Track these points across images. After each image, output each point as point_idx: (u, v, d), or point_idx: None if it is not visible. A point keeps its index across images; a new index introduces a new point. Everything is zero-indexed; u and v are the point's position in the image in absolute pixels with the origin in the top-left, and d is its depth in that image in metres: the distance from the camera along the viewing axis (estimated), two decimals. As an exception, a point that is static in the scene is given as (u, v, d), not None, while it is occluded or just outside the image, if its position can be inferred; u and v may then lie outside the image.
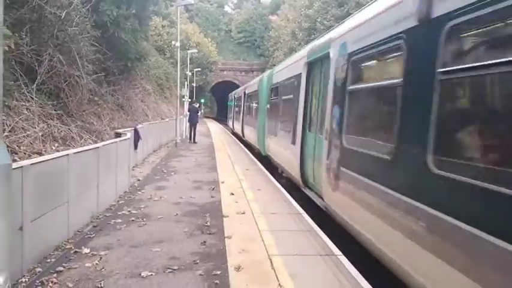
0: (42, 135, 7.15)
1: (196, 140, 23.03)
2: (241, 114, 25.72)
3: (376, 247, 5.03)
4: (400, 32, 4.59)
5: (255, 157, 16.68)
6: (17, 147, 6.28)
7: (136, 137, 12.86)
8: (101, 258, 5.29)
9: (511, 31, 3.13)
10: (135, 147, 12.83)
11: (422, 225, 3.84)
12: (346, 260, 5.43)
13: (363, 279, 4.82)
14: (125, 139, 9.88)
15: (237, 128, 28.57)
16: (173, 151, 18.82)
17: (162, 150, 18.97)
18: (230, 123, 37.34)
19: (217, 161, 15.26)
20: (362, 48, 5.80)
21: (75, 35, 9.58)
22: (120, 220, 7.09)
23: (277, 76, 13.68)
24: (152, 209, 7.94)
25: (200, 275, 4.84)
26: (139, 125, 14.48)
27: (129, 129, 12.41)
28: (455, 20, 3.58)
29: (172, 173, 12.35)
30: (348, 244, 6.14)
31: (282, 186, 10.63)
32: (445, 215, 3.48)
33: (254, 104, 19.64)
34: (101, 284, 4.49)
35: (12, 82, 7.33)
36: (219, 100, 75.66)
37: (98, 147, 7.48)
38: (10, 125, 6.50)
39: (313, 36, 36.26)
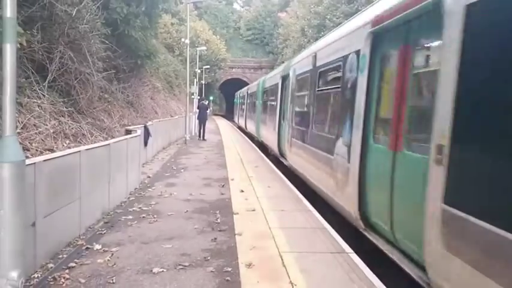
0: (53, 132, 7.21)
1: (205, 137, 23.07)
2: (244, 111, 31.03)
3: (305, 178, 9.69)
4: (307, 71, 9.86)
5: (265, 154, 16.67)
6: (29, 144, 6.34)
7: (146, 134, 12.91)
8: (112, 254, 5.31)
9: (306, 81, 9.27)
10: (145, 144, 12.87)
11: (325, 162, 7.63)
12: (358, 257, 5.40)
13: (375, 276, 4.80)
14: (135, 136, 9.91)
15: (241, 122, 34.31)
16: (183, 148, 18.87)
17: (172, 148, 19.02)
18: (236, 118, 43.31)
19: (226, 158, 15.27)
20: (300, 72, 10.89)
21: (86, 32, 9.64)
22: (131, 217, 7.12)
23: (266, 82, 18.99)
24: (163, 206, 7.96)
25: (211, 271, 4.84)
26: (149, 122, 14.53)
27: (139, 126, 12.45)
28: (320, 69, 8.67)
29: (182, 170, 12.38)
30: (359, 243, 6.11)
31: (286, 176, 10.81)
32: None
33: (253, 102, 24.32)
34: (112, 280, 4.51)
35: (24, 79, 7.39)
36: (227, 97, 75.62)
37: (108, 144, 7.51)
38: (22, 122, 6.55)
39: (322, 33, 36.11)
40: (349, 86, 6.59)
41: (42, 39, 8.14)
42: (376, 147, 5.64)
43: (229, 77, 68.07)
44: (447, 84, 3.66)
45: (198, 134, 24.02)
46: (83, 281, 4.47)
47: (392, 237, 5.08)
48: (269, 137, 16.41)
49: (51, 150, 6.52)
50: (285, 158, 12.65)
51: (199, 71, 36.23)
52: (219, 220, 7.05)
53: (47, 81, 8.02)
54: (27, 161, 4.30)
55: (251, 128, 24.87)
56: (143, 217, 7.13)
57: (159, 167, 12.91)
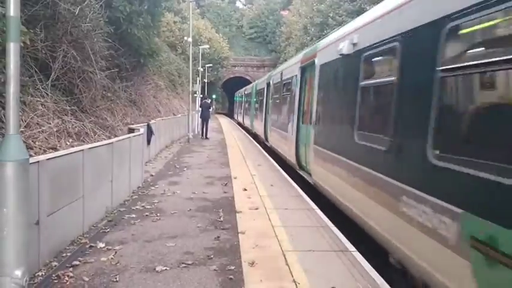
0: (56, 131, 7.21)
1: (208, 136, 23.09)
2: (242, 108, 37.39)
3: (275, 149, 14.95)
4: (278, 82, 15.24)
5: (265, 150, 16.67)
6: (32, 143, 6.34)
7: (149, 132, 12.92)
8: (115, 252, 5.33)
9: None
10: (148, 142, 12.89)
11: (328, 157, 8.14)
12: (361, 256, 5.40)
13: (378, 275, 4.79)
14: (138, 134, 9.93)
15: (239, 118, 40.30)
16: (185, 147, 18.89)
17: (175, 146, 19.04)
18: (235, 115, 49.10)
19: (229, 157, 15.28)
20: (275, 82, 16.13)
21: (89, 31, 9.64)
22: (134, 215, 7.14)
23: (258, 86, 25.04)
24: (166, 204, 7.98)
25: (214, 270, 4.85)
26: (152, 121, 14.54)
27: (142, 124, 12.47)
28: (284, 82, 14.62)
29: (185, 169, 12.39)
30: (362, 241, 6.11)
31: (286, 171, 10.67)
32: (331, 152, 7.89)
33: (249, 100, 29.84)
34: (116, 278, 4.52)
35: (28, 78, 7.39)
36: (230, 96, 75.69)
37: (112, 143, 7.52)
38: (25, 121, 6.56)
39: (325, 31, 36.04)
40: (293, 94, 12.29)
41: (46, 38, 8.15)
42: (301, 125, 11.12)
43: (232, 76, 68.01)
44: (315, 94, 9.25)
45: (200, 132, 24.04)
46: (86, 279, 4.48)
47: (306, 167, 10.22)
48: (258, 126, 22.96)
49: (55, 149, 6.53)
50: (267, 140, 18.67)
51: (201, 69, 36.19)
52: (222, 219, 7.06)
53: (50, 80, 8.02)
54: (31, 160, 4.31)
55: (247, 122, 31.86)
56: (146, 215, 7.15)
57: (162, 166, 12.92)
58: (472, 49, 3.75)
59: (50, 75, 8.12)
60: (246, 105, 32.07)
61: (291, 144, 11.96)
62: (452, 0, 3.94)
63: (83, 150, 6.04)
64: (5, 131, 3.50)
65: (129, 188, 8.76)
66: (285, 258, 5.25)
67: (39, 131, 6.73)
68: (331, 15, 38.91)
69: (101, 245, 5.59)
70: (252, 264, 5.02)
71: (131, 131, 10.81)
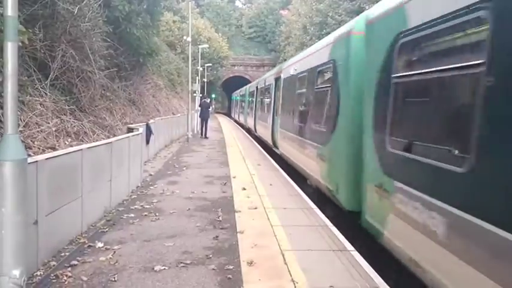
0: (55, 130, 7.21)
1: (207, 135, 23.09)
2: (238, 107, 42.12)
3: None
4: (265, 86, 20.09)
5: (266, 150, 16.68)
6: (31, 142, 6.34)
7: (148, 132, 12.92)
8: (114, 252, 5.32)
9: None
10: (147, 142, 12.89)
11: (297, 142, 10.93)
12: (359, 255, 5.40)
13: (376, 274, 4.80)
14: (137, 134, 9.92)
15: (236, 116, 45.40)
16: (185, 146, 18.89)
17: (174, 146, 19.04)
18: (232, 113, 53.11)
19: (228, 156, 15.29)
20: (261, 87, 21.78)
21: (88, 30, 9.64)
22: (133, 215, 7.14)
23: (250, 89, 30.08)
24: (165, 204, 7.98)
25: (213, 269, 4.85)
26: (151, 120, 14.54)
27: (141, 124, 12.46)
28: (264, 88, 20.13)
29: (184, 168, 12.39)
30: (361, 241, 6.11)
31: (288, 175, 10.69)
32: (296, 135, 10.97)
33: (243, 100, 34.60)
34: (114, 277, 4.52)
35: (26, 77, 7.40)
36: (230, 95, 75.74)
37: (110, 142, 7.52)
38: (24, 120, 6.56)
39: (324, 31, 36.04)
40: (271, 96, 17.08)
41: (44, 37, 8.14)
42: (275, 117, 15.42)
43: (232, 75, 68.04)
44: (280, 96, 14.58)
45: (200, 132, 24.04)
46: (85, 278, 4.48)
47: (276, 144, 14.82)
48: (251, 122, 26.63)
49: (53, 149, 6.53)
50: (256, 131, 23.46)
51: (201, 68, 36.19)
52: (220, 218, 7.06)
53: (49, 80, 8.02)
54: (30, 159, 4.31)
55: (241, 119, 36.54)
56: (145, 215, 7.15)
57: (161, 165, 12.92)
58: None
59: (49, 75, 8.11)
60: (242, 104, 37.41)
61: (269, 130, 17.13)
62: (311, 62, 9.81)
63: (81, 149, 6.04)
64: (4, 130, 3.50)
65: (128, 188, 8.76)
66: (283, 257, 5.26)
67: (38, 131, 6.73)
68: (330, 14, 38.92)
69: (100, 244, 5.58)
70: (250, 263, 5.02)
71: (130, 130, 10.80)
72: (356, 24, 6.94)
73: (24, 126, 6.48)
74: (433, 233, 3.88)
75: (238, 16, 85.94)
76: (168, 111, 22.67)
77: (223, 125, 35.65)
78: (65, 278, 4.47)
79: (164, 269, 4.82)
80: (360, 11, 9.81)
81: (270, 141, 17.15)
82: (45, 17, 8.27)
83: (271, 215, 7.30)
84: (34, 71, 7.72)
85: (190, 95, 23.39)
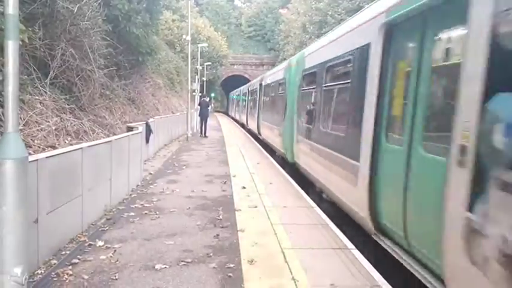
0: (55, 129, 7.21)
1: (207, 134, 23.08)
2: (234, 105, 46.80)
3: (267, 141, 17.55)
4: (254, 88, 24.52)
5: (263, 146, 16.69)
6: (31, 141, 6.34)
7: (148, 131, 12.91)
8: (115, 250, 5.33)
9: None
10: (147, 141, 12.88)
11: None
12: (360, 253, 5.41)
13: (377, 272, 4.81)
14: (137, 133, 9.92)
15: (232, 113, 50.02)
16: (184, 145, 18.89)
17: (173, 144, 19.04)
18: (229, 111, 57.72)
19: (228, 155, 15.29)
20: (251, 90, 27.58)
21: (87, 29, 9.62)
22: (133, 213, 7.14)
23: (243, 90, 34.02)
24: (165, 203, 7.98)
25: (214, 268, 4.85)
26: (151, 119, 14.53)
27: (140, 123, 12.46)
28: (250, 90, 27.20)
29: (184, 167, 12.39)
30: (361, 238, 6.12)
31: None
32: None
33: (238, 99, 38.95)
34: (115, 276, 4.53)
35: (26, 76, 7.39)
36: (229, 94, 75.81)
37: (110, 141, 7.52)
38: (24, 119, 6.56)
39: (324, 29, 36.02)
40: (256, 98, 22.55)
41: (44, 36, 8.13)
42: (260, 112, 20.98)
43: (231, 74, 67.99)
44: (262, 98, 20.46)
45: (199, 130, 24.04)
46: (86, 277, 4.48)
47: (258, 131, 21.12)
48: (242, 118, 32.05)
49: (53, 147, 6.53)
50: (247, 124, 28.30)
51: (200, 67, 36.22)
52: (221, 217, 7.06)
53: (48, 78, 8.01)
54: (30, 158, 4.31)
55: (236, 115, 41.60)
56: (145, 214, 7.15)
57: (161, 164, 12.92)
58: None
59: (49, 74, 8.11)
60: (236, 103, 42.81)
61: (255, 121, 22.39)
62: (277, 76, 14.98)
63: (81, 148, 6.04)
64: (4, 129, 3.49)
65: (128, 187, 8.76)
66: (284, 256, 5.26)
67: (37, 129, 6.73)
68: (330, 13, 38.91)
69: (100, 243, 5.59)
70: (251, 262, 5.03)
71: (130, 129, 10.80)
72: (291, 61, 13.09)
73: (24, 124, 6.47)
74: (314, 157, 8.76)
75: (238, 15, 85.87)
76: (168, 110, 22.66)
77: (222, 124, 35.64)
78: (66, 276, 4.47)
79: (165, 267, 4.83)
80: (358, 9, 9.76)
81: (255, 130, 22.76)
82: (44, 15, 8.26)
83: (271, 213, 7.31)
84: (34, 69, 7.71)
85: (189, 93, 23.37)
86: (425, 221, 4.14)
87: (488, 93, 3.11)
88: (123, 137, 8.53)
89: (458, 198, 3.34)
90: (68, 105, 8.39)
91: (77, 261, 4.93)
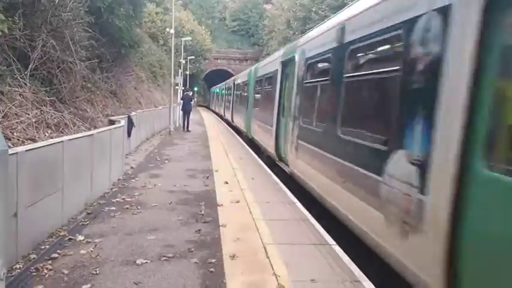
0: (35, 122, 7.10)
1: (189, 129, 22.98)
2: (214, 99, 49.93)
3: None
4: (243, 82, 22.61)
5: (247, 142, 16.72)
6: (10, 134, 6.23)
7: (130, 124, 12.80)
8: (95, 245, 5.29)
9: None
10: (129, 134, 12.77)
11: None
12: (340, 249, 5.47)
13: (356, 267, 4.87)
14: (119, 126, 9.83)
15: (212, 106, 52.72)
16: (167, 139, 18.78)
17: (156, 138, 18.91)
18: (211, 105, 57.94)
19: (211, 150, 15.25)
20: (228, 87, 32.24)
21: (69, 20, 9.47)
22: (114, 208, 7.08)
23: (221, 87, 38.29)
24: (146, 197, 7.93)
25: (195, 263, 4.86)
26: (133, 113, 14.41)
27: (122, 116, 12.34)
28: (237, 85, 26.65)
29: (166, 161, 12.33)
30: (342, 234, 6.18)
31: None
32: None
33: (218, 94, 42.54)
34: (96, 271, 4.49)
35: (5, 67, 7.25)
36: (211, 89, 75.59)
37: (92, 135, 7.44)
38: (3, 111, 6.44)
39: (308, 26, 36.09)
40: (231, 94, 27.65)
41: (24, 26, 7.97)
42: (234, 105, 25.64)
43: (214, 68, 67.76)
44: (234, 95, 26.29)
45: (182, 125, 23.91)
46: (66, 272, 4.44)
47: (232, 122, 26.03)
48: (220, 110, 36.31)
49: (33, 140, 6.43)
50: (224, 115, 32.36)
51: (183, 61, 35.96)
52: (203, 212, 7.05)
53: (28, 70, 7.87)
54: (10, 151, 4.24)
55: (216, 108, 45.35)
56: (127, 208, 7.10)
57: (143, 158, 12.83)
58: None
59: (29, 65, 7.96)
60: (217, 97, 45.42)
61: (230, 113, 26.29)
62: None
63: (62, 141, 5.97)
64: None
65: (109, 181, 8.68)
66: (265, 251, 5.29)
67: (17, 122, 6.61)
68: (314, 9, 39.03)
69: (81, 237, 5.54)
70: (233, 257, 5.04)
71: (111, 122, 10.69)
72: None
73: (3, 117, 6.36)
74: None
75: (222, 9, 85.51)
76: (150, 104, 22.50)
77: (205, 119, 35.51)
78: (46, 271, 4.42)
79: (146, 262, 4.81)
80: (342, 6, 9.65)
81: (230, 120, 27.02)
82: (25, 5, 8.09)
83: (253, 208, 7.33)
84: (13, 60, 7.56)
85: (172, 87, 23.21)
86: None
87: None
88: (104, 131, 8.44)
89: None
90: (48, 97, 8.26)
91: (56, 255, 4.88)
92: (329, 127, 6.64)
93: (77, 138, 6.67)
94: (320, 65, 7.92)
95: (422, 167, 3.75)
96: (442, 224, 3.37)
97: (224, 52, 71.20)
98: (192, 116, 24.70)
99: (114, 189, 8.46)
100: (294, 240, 5.75)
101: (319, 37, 7.93)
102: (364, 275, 4.68)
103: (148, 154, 13.77)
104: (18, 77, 7.51)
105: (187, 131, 22.66)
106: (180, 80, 25.83)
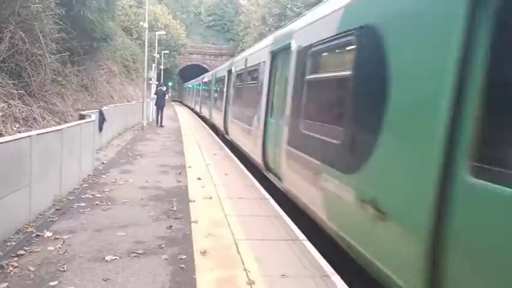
0: (2, 116, 6.93)
1: (163, 124, 22.79)
2: (187, 94, 53.00)
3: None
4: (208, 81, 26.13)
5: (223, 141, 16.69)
6: (-25, 127, 6.07)
7: (101, 119, 12.60)
8: (63, 242, 5.20)
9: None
10: (100, 129, 12.57)
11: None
12: (310, 244, 5.53)
13: (326, 263, 4.94)
14: (90, 121, 9.67)
15: (185, 102, 55.98)
16: (139, 134, 18.57)
17: (128, 134, 18.67)
18: (184, 100, 60.56)
19: (184, 145, 15.17)
20: (204, 82, 31.29)
21: (38, 12, 9.25)
22: (83, 204, 6.98)
23: (192, 84, 42.63)
24: (117, 193, 7.84)
25: (165, 259, 4.84)
26: (105, 107, 14.19)
27: (93, 111, 12.13)
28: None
29: (138, 157, 12.20)
30: (313, 230, 6.25)
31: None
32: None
33: (191, 90, 45.15)
34: (63, 267, 4.43)
35: (-29, 59, 7.05)
36: (184, 84, 75.06)
37: (61, 129, 7.29)
38: (-32, 104, 6.26)
39: (283, 22, 36.18)
40: (209, 89, 25.56)
41: (-9, 17, 7.77)
42: (210, 102, 23.85)
43: (189, 63, 67.30)
44: (213, 91, 22.56)
45: (155, 120, 23.69)
46: (32, 269, 4.36)
47: (209, 119, 23.97)
48: (194, 106, 37.85)
49: (0, 135, 6.27)
50: (195, 108, 36.95)
51: (157, 55, 35.55)
52: (175, 208, 7.02)
53: (-5, 62, 7.68)
54: (-27, 146, 4.13)
55: (188, 103, 49.42)
56: (96, 204, 7.00)
57: (114, 154, 12.66)
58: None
59: (-4, 57, 7.76)
60: (189, 92, 49.10)
61: (208, 110, 24.61)
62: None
63: (30, 136, 5.84)
64: None
65: (79, 176, 8.54)
66: (237, 247, 5.31)
67: (-18, 115, 6.44)
68: (289, 6, 39.15)
69: (48, 234, 5.44)
70: (204, 253, 5.05)
71: (82, 117, 10.51)
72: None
73: (-33, 110, 6.18)
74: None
75: (197, 3, 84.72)
76: (123, 98, 22.20)
77: (179, 114, 35.24)
78: (11, 268, 4.33)
79: (115, 258, 4.77)
80: (317, 3, 9.85)
81: (207, 116, 25.90)
82: (-9, -5, 7.88)
83: (225, 204, 7.34)
84: (-21, 52, 7.36)
85: (146, 82, 22.94)
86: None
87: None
88: (74, 125, 8.29)
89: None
90: (16, 90, 8.06)
91: (23, 252, 4.78)
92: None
93: (45, 133, 6.54)
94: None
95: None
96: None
97: (199, 47, 70.76)
98: (165, 111, 24.49)
99: (84, 185, 8.32)
100: (266, 236, 5.79)
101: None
102: (333, 270, 4.75)
103: (120, 149, 13.60)
104: (-16, 70, 7.32)
105: (161, 126, 22.47)
106: (153, 74, 25.57)
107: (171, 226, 6.04)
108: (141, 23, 25.81)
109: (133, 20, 39.44)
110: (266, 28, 43.47)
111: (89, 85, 15.24)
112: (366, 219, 4.07)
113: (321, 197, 5.31)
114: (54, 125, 8.16)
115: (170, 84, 56.31)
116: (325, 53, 6.16)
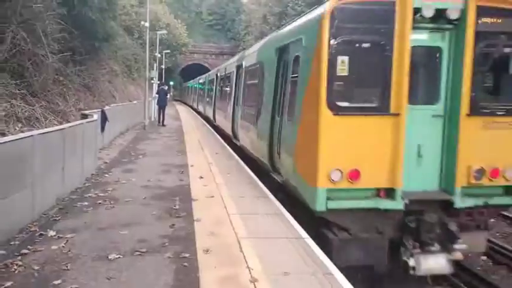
0: (5, 115, 6.96)
1: (165, 123, 22.80)
2: (188, 93, 53.10)
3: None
4: (211, 79, 25.75)
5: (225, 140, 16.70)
6: (-22, 127, 6.10)
7: (103, 118, 12.63)
8: (67, 241, 5.22)
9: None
10: (102, 129, 12.60)
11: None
12: (313, 242, 5.54)
13: (329, 260, 4.94)
14: (92, 121, 9.69)
15: (185, 100, 57.80)
16: (141, 134, 18.59)
17: (130, 133, 18.70)
18: (186, 98, 59.85)
19: (186, 144, 15.17)
20: (201, 82, 33.67)
21: (40, 12, 9.28)
22: (86, 203, 7.00)
23: (193, 82, 42.05)
24: (120, 192, 7.86)
25: (169, 257, 4.85)
26: (107, 107, 14.21)
27: (95, 110, 12.16)
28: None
29: (141, 156, 12.22)
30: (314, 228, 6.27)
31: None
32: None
33: (191, 88, 45.96)
34: (67, 266, 4.45)
35: (-27, 59, 7.08)
36: (186, 83, 75.18)
37: (63, 129, 7.32)
38: (-29, 104, 6.29)
39: (284, 21, 36.18)
40: (206, 89, 28.29)
41: (-8, 17, 7.80)
42: (205, 99, 27.72)
43: (190, 62, 67.33)
44: (212, 93, 22.76)
45: (157, 119, 23.71)
46: (36, 267, 4.38)
47: (204, 113, 27.77)
48: (193, 104, 39.99)
49: (3, 134, 6.31)
50: (192, 106, 40.76)
51: (159, 55, 35.57)
52: (177, 206, 7.03)
53: (-3, 62, 7.71)
54: (-23, 145, 4.15)
55: (187, 101, 51.48)
56: (99, 203, 7.02)
57: (117, 153, 12.68)
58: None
59: (-2, 57, 7.79)
60: (189, 91, 50.56)
61: (206, 107, 26.12)
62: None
63: (32, 135, 5.86)
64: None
65: (82, 176, 8.56)
66: (239, 245, 5.32)
67: (-15, 115, 6.47)
68: (290, 5, 39.12)
69: (52, 233, 5.46)
70: (206, 251, 5.06)
71: (84, 116, 10.54)
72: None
73: (-30, 110, 6.21)
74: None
75: (198, 2, 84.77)
76: (125, 98, 22.26)
77: (181, 113, 35.26)
78: (15, 267, 4.36)
79: (119, 257, 4.78)
80: (317, 2, 9.72)
81: (201, 111, 29.24)
82: (-7, -5, 7.91)
83: (228, 203, 7.34)
84: (-19, 52, 7.39)
85: (147, 81, 22.97)
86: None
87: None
88: (77, 125, 8.32)
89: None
90: (18, 90, 8.10)
91: (26, 251, 4.80)
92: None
93: (48, 132, 6.57)
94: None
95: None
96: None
97: (200, 46, 70.77)
98: (167, 110, 24.51)
99: (87, 184, 8.35)
100: (268, 234, 5.79)
101: None
102: (336, 269, 4.75)
103: (123, 149, 13.62)
104: (-14, 70, 7.35)
105: (163, 125, 22.48)
106: (155, 74, 25.59)
107: (173, 225, 6.06)
108: (142, 22, 25.82)
109: (134, 20, 39.44)
110: (267, 27, 43.49)
111: (90, 85, 15.28)
112: (257, 140, 9.69)
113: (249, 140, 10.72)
114: (56, 125, 8.20)
115: (172, 83, 56.39)
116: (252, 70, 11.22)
